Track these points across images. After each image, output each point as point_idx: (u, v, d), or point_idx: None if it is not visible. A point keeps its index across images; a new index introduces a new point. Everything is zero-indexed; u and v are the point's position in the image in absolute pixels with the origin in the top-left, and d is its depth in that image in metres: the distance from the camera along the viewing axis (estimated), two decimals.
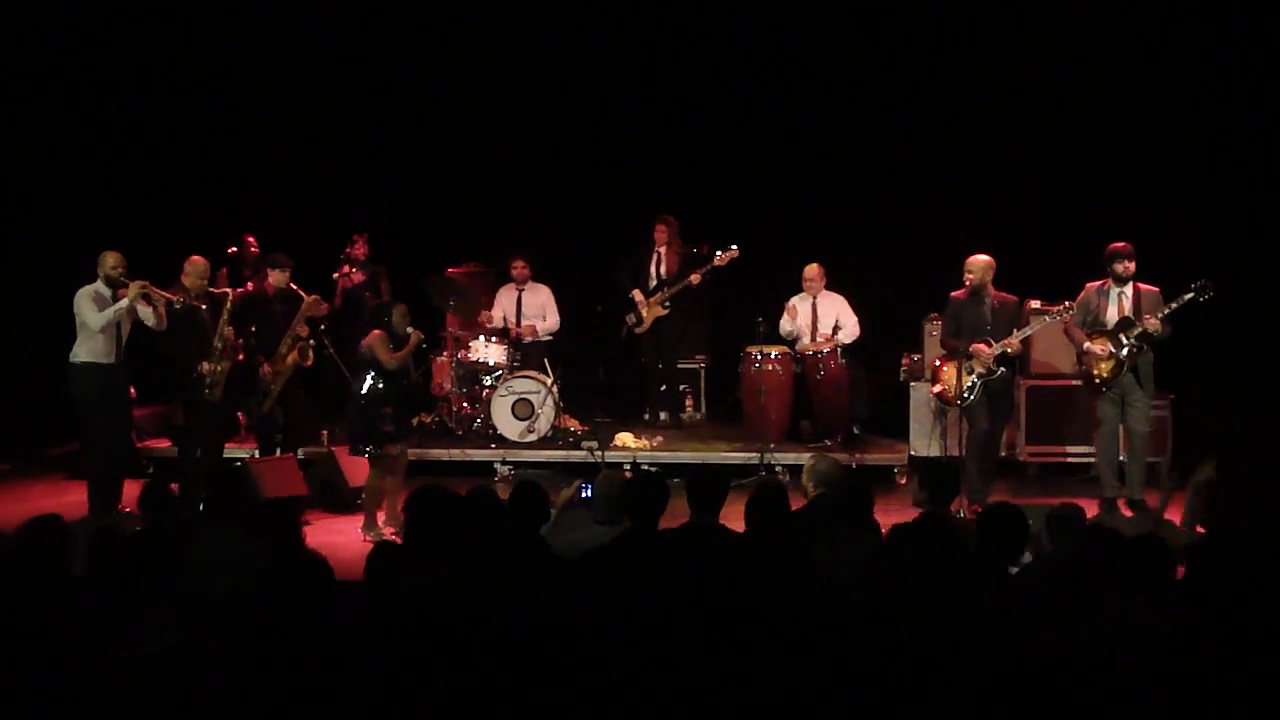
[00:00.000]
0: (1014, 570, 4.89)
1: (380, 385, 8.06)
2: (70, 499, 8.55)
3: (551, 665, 3.28)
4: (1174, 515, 7.65)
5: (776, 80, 11.11)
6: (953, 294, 8.57)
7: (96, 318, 8.17)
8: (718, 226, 10.49)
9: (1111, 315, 8.24)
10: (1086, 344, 8.25)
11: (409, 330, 8.27)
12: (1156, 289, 8.21)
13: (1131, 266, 8.20)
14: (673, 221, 10.59)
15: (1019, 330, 8.41)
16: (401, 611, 3.51)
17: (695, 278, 10.35)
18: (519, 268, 10.77)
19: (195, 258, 8.76)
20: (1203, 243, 9.45)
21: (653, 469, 9.70)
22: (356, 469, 8.77)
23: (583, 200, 11.39)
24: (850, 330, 10.02)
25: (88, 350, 8.24)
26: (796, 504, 5.76)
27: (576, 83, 11.29)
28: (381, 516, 8.12)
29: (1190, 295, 8.01)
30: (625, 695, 3.20)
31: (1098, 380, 8.24)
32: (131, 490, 8.87)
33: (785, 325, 10.13)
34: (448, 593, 3.81)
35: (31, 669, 3.25)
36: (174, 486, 8.21)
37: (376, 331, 8.13)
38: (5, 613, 3.81)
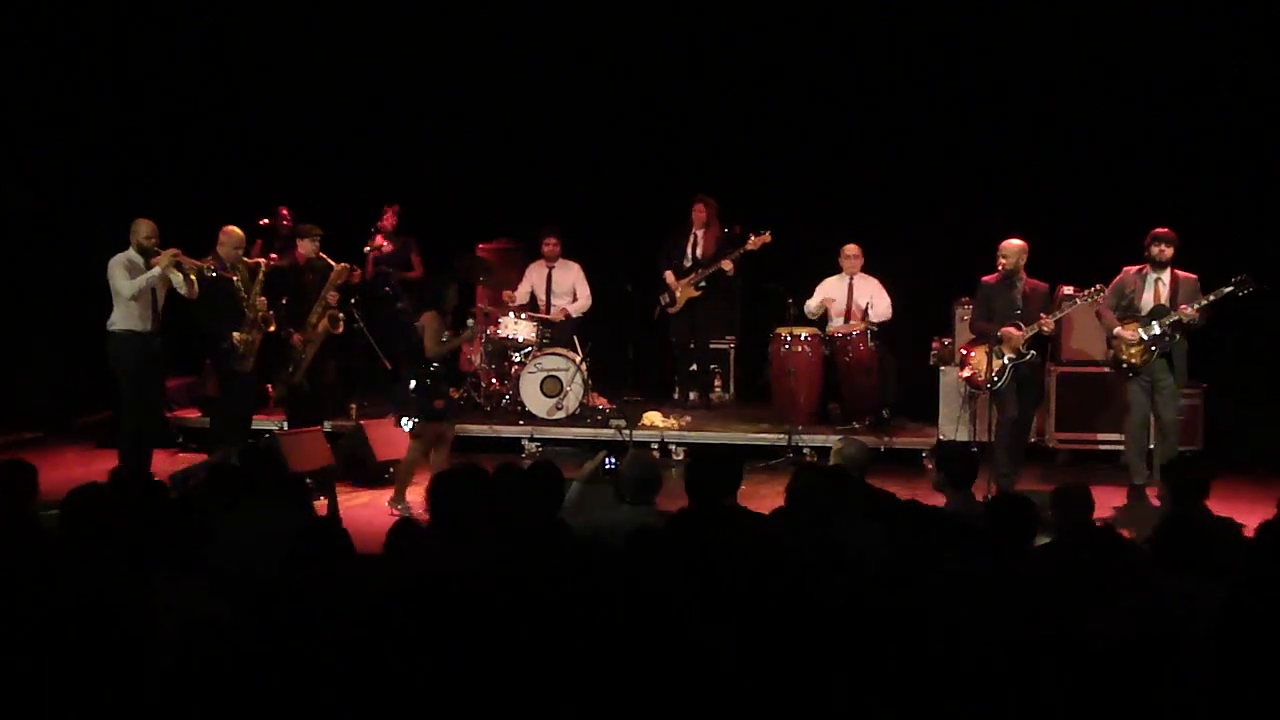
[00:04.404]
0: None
1: (435, 365, 8.04)
2: (100, 467, 8.59)
3: (565, 647, 3.26)
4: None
5: (812, 61, 11.01)
6: (984, 278, 8.50)
7: (129, 285, 8.24)
8: (750, 207, 10.44)
9: (1147, 301, 8.15)
10: (1117, 329, 8.17)
11: (469, 322, 8.32)
12: (1194, 276, 8.11)
13: (1169, 251, 8.10)
14: (711, 203, 10.53)
15: (1051, 314, 8.34)
16: (419, 588, 3.49)
17: (728, 264, 10.32)
18: (550, 245, 10.75)
19: (230, 228, 8.80)
20: (1245, 232, 9.34)
21: (680, 448, 9.71)
22: (385, 442, 8.78)
23: (615, 178, 11.34)
24: (882, 310, 9.96)
25: (124, 318, 8.31)
26: None
27: (613, 59, 11.22)
28: (416, 494, 7.90)
29: (1229, 289, 7.93)
30: (639, 683, 3.18)
31: (1125, 366, 8.17)
32: (160, 460, 8.98)
33: (811, 305, 10.09)
34: (468, 572, 3.80)
35: (68, 640, 3.26)
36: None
37: (431, 312, 8.11)
38: (46, 584, 3.83)
